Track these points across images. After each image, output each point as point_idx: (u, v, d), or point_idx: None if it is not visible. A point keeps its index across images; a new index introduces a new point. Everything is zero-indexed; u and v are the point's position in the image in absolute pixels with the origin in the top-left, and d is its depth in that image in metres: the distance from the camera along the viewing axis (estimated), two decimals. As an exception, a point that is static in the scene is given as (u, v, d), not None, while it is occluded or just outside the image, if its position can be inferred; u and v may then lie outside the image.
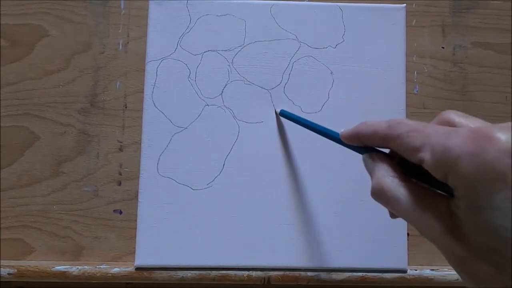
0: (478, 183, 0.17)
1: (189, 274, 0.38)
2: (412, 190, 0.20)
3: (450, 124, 0.21)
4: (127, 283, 0.39)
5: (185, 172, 0.39)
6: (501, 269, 0.17)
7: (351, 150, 0.26)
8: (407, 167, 0.22)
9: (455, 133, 0.18)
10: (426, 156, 0.19)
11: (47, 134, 0.40)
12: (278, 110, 0.39)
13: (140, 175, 0.39)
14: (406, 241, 0.39)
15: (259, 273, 0.38)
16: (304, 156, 0.40)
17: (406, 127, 0.21)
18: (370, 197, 0.25)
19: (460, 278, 0.38)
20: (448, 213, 0.19)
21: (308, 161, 0.40)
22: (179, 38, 0.41)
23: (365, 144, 0.24)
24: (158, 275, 0.38)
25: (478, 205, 0.17)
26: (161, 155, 0.39)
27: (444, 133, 0.19)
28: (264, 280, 0.38)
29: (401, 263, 0.39)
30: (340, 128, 0.37)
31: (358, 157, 0.25)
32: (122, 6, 0.42)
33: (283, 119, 0.40)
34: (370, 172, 0.23)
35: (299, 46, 0.41)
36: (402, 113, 0.41)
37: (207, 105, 0.40)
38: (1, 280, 0.38)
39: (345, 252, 0.39)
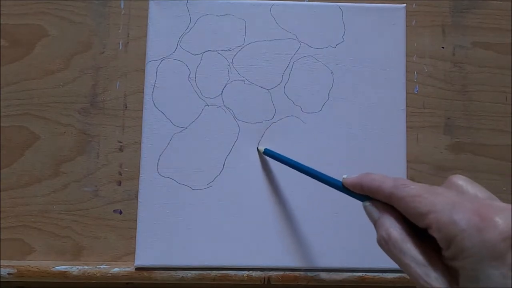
0: (479, 258, 0.19)
1: (189, 274, 0.38)
2: (418, 245, 0.22)
3: (458, 190, 0.23)
4: (127, 283, 0.40)
5: (185, 172, 0.39)
6: None
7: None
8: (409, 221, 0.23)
9: (462, 206, 0.20)
10: (431, 224, 0.21)
11: (47, 134, 0.40)
12: (262, 148, 0.39)
13: (140, 175, 0.39)
14: (406, 241, 0.39)
15: (259, 273, 0.38)
16: (304, 156, 0.40)
17: (412, 191, 0.22)
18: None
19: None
20: (450, 273, 0.21)
21: (308, 161, 0.40)
22: (179, 38, 0.41)
23: (367, 194, 0.26)
24: (158, 275, 0.38)
25: (477, 276, 0.19)
26: (161, 155, 0.39)
27: (451, 204, 0.20)
28: (264, 280, 0.38)
29: (401, 263, 0.39)
30: (341, 129, 0.37)
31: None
32: (122, 6, 0.42)
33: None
34: (374, 220, 0.25)
35: (299, 46, 0.41)
36: (402, 113, 0.41)
37: (207, 105, 0.40)
38: (1, 280, 0.38)
39: (345, 252, 0.39)
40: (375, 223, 0.24)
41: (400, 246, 0.22)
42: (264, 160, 0.40)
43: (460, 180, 0.23)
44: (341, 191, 0.28)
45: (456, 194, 0.22)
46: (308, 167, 0.33)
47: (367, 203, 0.25)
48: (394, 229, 0.23)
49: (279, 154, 0.37)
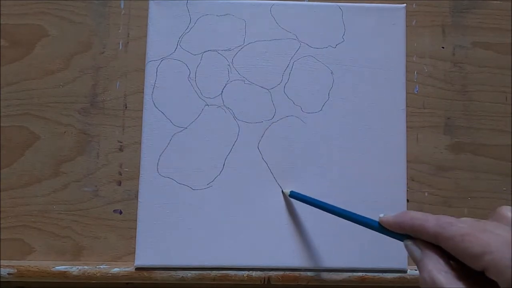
0: None
1: (189, 274, 0.38)
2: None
3: (509, 223, 0.21)
4: (127, 283, 0.39)
5: (185, 172, 0.39)
6: None
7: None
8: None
9: None
10: (488, 267, 0.19)
11: (47, 134, 0.40)
12: (287, 191, 0.38)
13: (140, 175, 0.39)
14: (406, 241, 0.39)
15: (259, 273, 0.38)
16: (304, 156, 0.40)
17: (459, 230, 0.21)
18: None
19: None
20: None
21: (308, 161, 0.40)
22: (179, 38, 0.41)
23: (407, 233, 0.24)
24: (158, 275, 0.38)
25: None
26: (161, 155, 0.39)
27: (506, 243, 0.19)
28: (264, 280, 0.38)
29: (401, 263, 0.39)
30: (341, 129, 0.37)
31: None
32: (122, 6, 0.42)
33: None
34: (416, 260, 0.23)
35: (299, 46, 0.41)
36: (402, 113, 0.41)
37: (207, 105, 0.40)
38: (1, 280, 0.38)
39: (345, 252, 0.39)
40: (417, 263, 0.23)
41: None
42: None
43: (510, 212, 0.22)
44: (378, 231, 0.27)
45: (508, 230, 0.20)
46: (339, 209, 0.32)
47: (409, 242, 0.24)
48: (438, 272, 0.21)
49: (306, 196, 0.37)
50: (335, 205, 0.33)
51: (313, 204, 0.35)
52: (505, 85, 0.42)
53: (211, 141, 0.40)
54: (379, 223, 0.27)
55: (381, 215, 0.26)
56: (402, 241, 0.25)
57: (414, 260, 0.24)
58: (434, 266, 0.22)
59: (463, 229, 0.21)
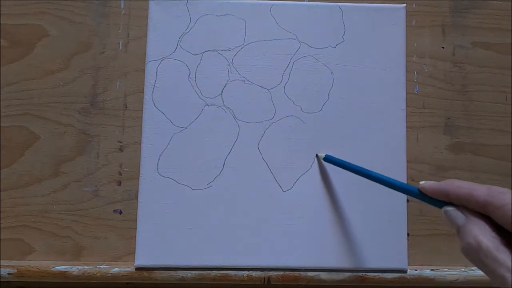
0: None
1: (189, 274, 0.38)
2: None
3: None
4: (127, 283, 0.40)
5: (185, 172, 0.39)
6: None
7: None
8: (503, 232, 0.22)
9: None
10: None
11: (47, 134, 0.40)
12: (322, 155, 0.39)
13: (140, 175, 0.39)
14: (406, 241, 0.39)
15: (259, 273, 0.38)
16: (304, 156, 0.40)
17: None
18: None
19: (459, 278, 0.38)
20: None
21: (308, 161, 0.40)
22: (179, 38, 0.41)
23: (452, 201, 0.25)
24: (158, 275, 0.38)
25: None
26: (161, 155, 0.39)
27: None
28: (264, 280, 0.38)
29: (401, 263, 0.39)
30: (341, 129, 0.37)
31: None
32: (122, 6, 0.42)
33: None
34: (457, 225, 0.23)
35: (299, 46, 0.41)
36: (402, 113, 0.41)
37: (207, 105, 0.40)
38: (1, 280, 0.38)
39: (345, 252, 0.39)
40: (458, 229, 0.23)
41: (494, 256, 0.20)
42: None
43: None
44: (417, 198, 0.28)
45: None
46: (375, 173, 0.32)
47: (450, 208, 0.24)
48: (485, 236, 0.21)
49: (342, 160, 0.37)
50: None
51: (348, 168, 0.35)
52: (505, 85, 0.42)
53: (211, 141, 0.40)
54: (419, 189, 0.27)
55: (422, 182, 0.27)
56: (440, 208, 0.25)
57: (455, 225, 0.24)
58: (480, 231, 0.22)
59: None
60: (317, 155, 0.39)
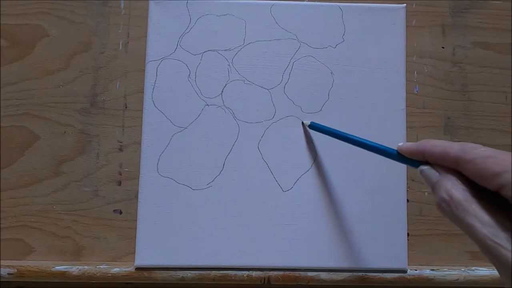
0: None
1: (189, 274, 0.38)
2: (485, 207, 0.21)
3: None
4: (127, 283, 0.40)
5: (185, 172, 0.39)
6: None
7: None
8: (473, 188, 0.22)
9: None
10: (505, 184, 0.20)
11: (47, 134, 0.40)
12: (308, 122, 0.39)
13: (140, 175, 0.39)
14: (406, 241, 0.39)
15: (259, 273, 0.38)
16: (304, 156, 0.40)
17: (482, 153, 0.22)
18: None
19: (459, 278, 0.38)
20: None
21: (308, 161, 0.40)
22: (179, 38, 0.41)
23: (427, 160, 0.25)
24: (158, 275, 0.38)
25: None
26: (161, 155, 0.39)
27: None
28: (264, 280, 0.38)
29: (401, 263, 0.39)
30: (341, 129, 0.37)
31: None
32: (122, 6, 0.42)
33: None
34: (432, 183, 0.24)
35: (299, 46, 0.41)
36: (402, 113, 0.41)
37: (207, 105, 0.40)
38: (1, 280, 0.38)
39: (345, 252, 0.39)
40: (433, 186, 0.24)
41: (464, 207, 0.21)
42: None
43: None
44: (394, 159, 0.28)
45: None
46: (357, 137, 0.33)
47: (425, 167, 0.25)
48: (456, 189, 0.22)
49: (325, 126, 0.38)
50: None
51: (332, 134, 0.36)
52: (505, 85, 0.42)
53: (211, 141, 0.40)
54: (397, 151, 0.28)
55: (400, 144, 0.27)
56: (417, 167, 0.26)
57: (429, 183, 0.24)
58: (453, 185, 0.22)
59: (486, 152, 0.22)
60: (302, 122, 0.40)
